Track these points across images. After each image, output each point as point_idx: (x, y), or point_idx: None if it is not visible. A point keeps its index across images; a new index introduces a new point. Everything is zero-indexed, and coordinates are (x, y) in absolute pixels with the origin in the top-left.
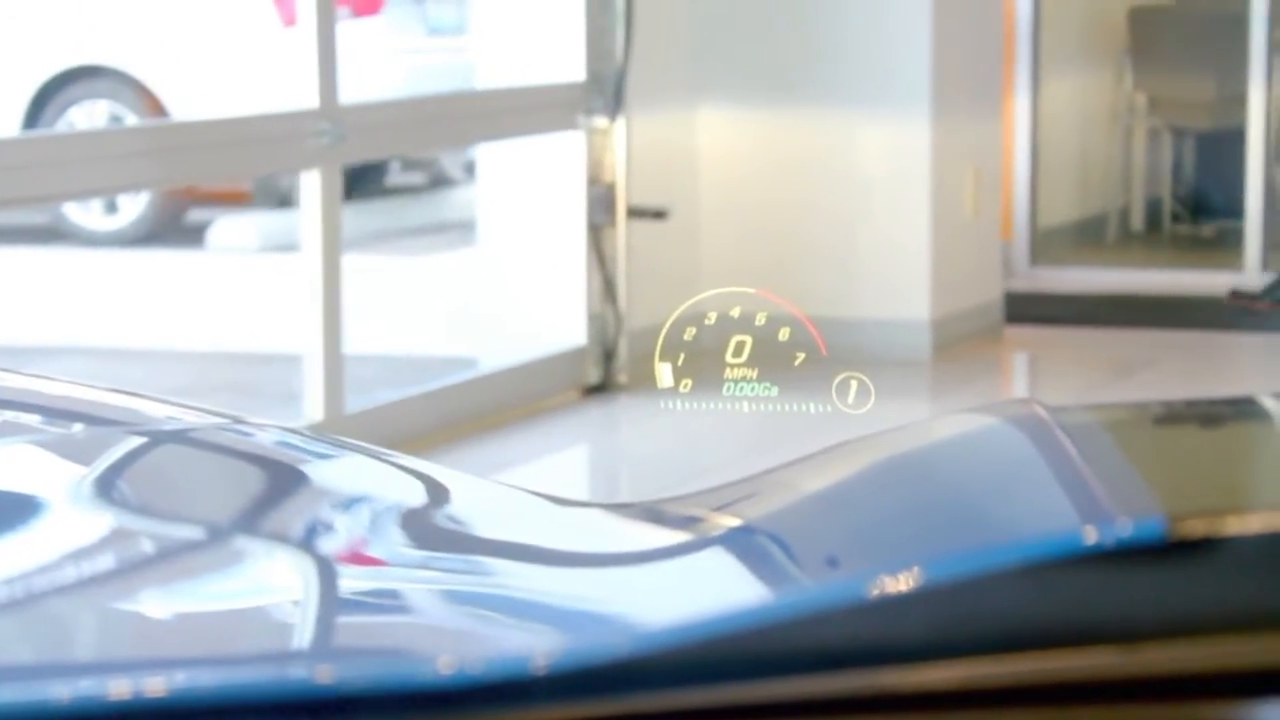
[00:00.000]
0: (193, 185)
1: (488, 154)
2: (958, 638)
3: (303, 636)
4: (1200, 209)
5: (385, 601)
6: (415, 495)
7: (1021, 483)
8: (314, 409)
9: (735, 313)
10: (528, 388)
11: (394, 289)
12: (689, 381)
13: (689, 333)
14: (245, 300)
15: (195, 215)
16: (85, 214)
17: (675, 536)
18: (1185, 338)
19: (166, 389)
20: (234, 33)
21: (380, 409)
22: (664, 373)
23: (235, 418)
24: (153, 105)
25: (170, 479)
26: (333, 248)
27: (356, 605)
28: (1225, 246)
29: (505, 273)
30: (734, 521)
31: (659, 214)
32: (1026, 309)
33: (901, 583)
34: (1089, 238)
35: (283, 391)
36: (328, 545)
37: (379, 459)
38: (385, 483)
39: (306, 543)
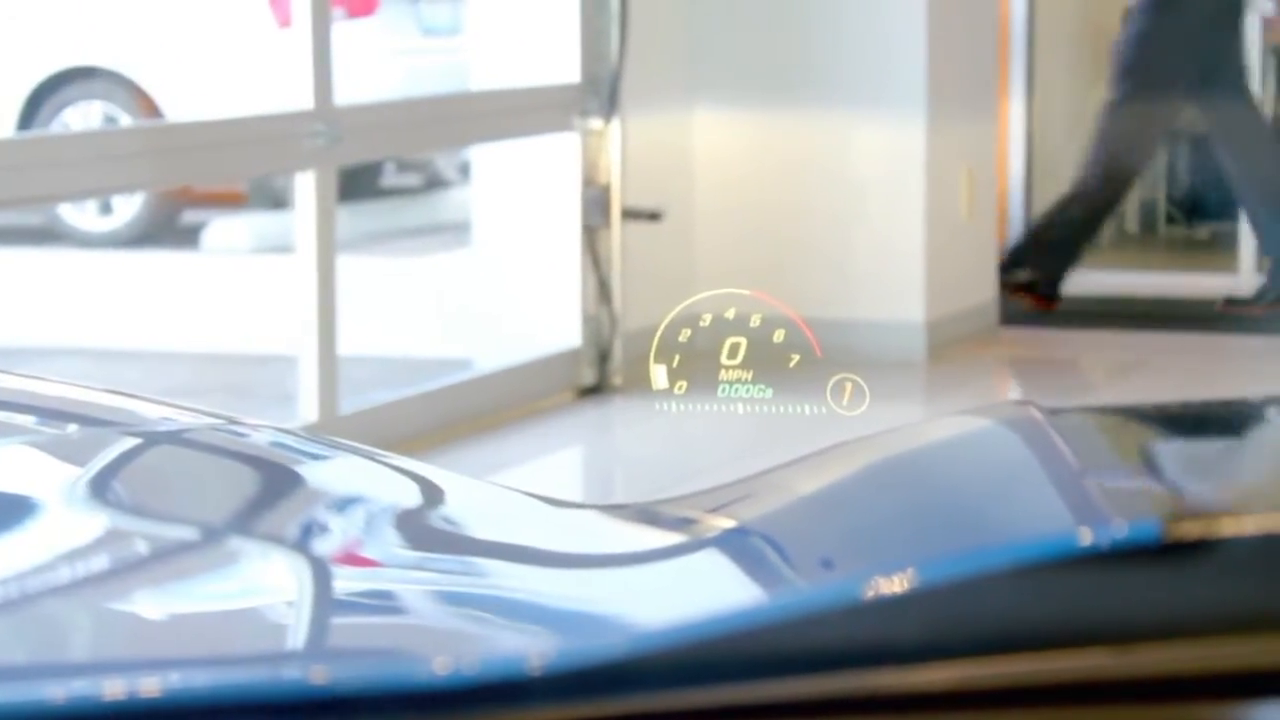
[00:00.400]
0: (187, 186)
1: (482, 155)
2: (953, 639)
3: (298, 637)
4: (1195, 211)
5: (380, 602)
6: (410, 496)
7: (1017, 484)
8: (309, 410)
9: (730, 314)
10: (523, 389)
11: (389, 290)
12: (684, 383)
13: (684, 334)
14: (240, 301)
15: (190, 216)
16: (80, 215)
17: (670, 538)
18: (1180, 340)
19: (161, 390)
20: (229, 34)
21: (375, 410)
22: (659, 374)
23: (230, 419)
24: (147, 106)
25: (165, 480)
26: (327, 249)
27: (351, 606)
28: (1220, 249)
29: (500, 274)
30: (729, 523)
31: (654, 215)
32: (1021, 311)
33: (896, 584)
34: None
35: (277, 392)
36: (323, 546)
37: (374, 460)
38: (380, 484)
39: (301, 543)
